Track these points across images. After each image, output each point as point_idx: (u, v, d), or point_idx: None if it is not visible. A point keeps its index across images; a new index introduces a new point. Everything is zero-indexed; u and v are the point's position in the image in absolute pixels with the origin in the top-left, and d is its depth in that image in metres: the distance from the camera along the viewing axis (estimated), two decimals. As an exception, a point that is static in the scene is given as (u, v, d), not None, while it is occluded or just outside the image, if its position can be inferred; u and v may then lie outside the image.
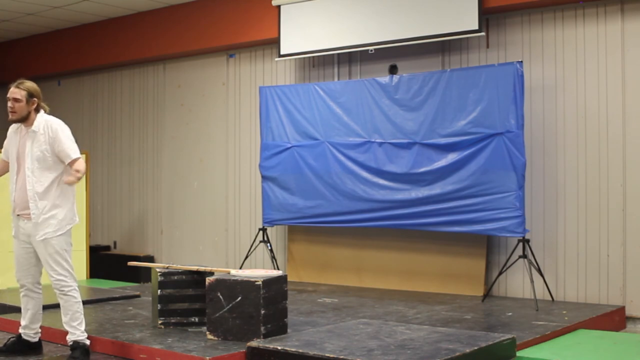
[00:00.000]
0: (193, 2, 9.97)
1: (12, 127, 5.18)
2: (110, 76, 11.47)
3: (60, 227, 4.96)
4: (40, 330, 5.27)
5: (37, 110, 5.07)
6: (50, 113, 5.16)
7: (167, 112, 10.65)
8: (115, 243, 11.22)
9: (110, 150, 11.40)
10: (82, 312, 5.04)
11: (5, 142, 5.21)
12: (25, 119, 5.03)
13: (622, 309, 6.95)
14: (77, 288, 5.03)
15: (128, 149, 11.15)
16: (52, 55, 11.72)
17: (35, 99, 5.05)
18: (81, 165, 4.96)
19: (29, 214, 4.96)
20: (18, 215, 5.05)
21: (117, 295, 7.42)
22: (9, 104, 5.01)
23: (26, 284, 5.13)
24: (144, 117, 10.95)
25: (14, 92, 5.02)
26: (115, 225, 11.29)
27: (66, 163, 4.99)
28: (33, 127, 5.00)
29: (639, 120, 7.03)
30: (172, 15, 10.19)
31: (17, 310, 6.15)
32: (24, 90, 5.02)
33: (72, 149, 4.99)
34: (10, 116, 5.03)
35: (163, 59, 10.62)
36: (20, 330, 5.23)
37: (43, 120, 5.03)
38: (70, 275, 4.99)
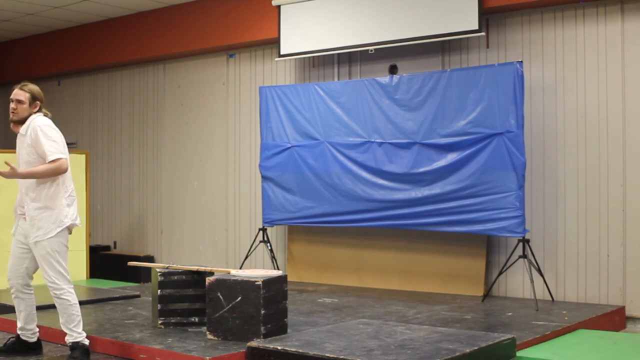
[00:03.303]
0: (193, 2, 9.97)
1: None
2: (110, 76, 11.47)
3: (50, 229, 4.90)
4: (37, 330, 5.26)
5: (37, 114, 5.07)
6: (50, 113, 5.16)
7: (167, 112, 10.65)
8: (115, 243, 11.22)
9: (110, 150, 11.40)
10: (79, 314, 4.99)
11: None
12: (24, 122, 5.03)
13: (622, 309, 6.95)
14: (71, 291, 4.96)
15: (128, 149, 11.15)
16: (52, 55, 11.72)
17: (37, 102, 5.05)
18: (58, 166, 4.81)
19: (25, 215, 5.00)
20: (19, 214, 5.08)
21: (117, 295, 7.42)
22: (12, 105, 5.01)
23: (15, 285, 5.10)
24: (144, 117, 10.95)
25: (18, 93, 5.02)
26: (115, 225, 11.29)
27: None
28: (21, 131, 5.01)
29: (639, 120, 7.03)
30: (172, 15, 10.19)
31: (17, 310, 6.14)
32: (28, 92, 5.02)
33: (50, 151, 4.85)
34: (10, 116, 5.03)
35: (163, 59, 10.62)
36: (18, 331, 5.22)
37: (30, 123, 4.99)
38: (62, 278, 4.92)
